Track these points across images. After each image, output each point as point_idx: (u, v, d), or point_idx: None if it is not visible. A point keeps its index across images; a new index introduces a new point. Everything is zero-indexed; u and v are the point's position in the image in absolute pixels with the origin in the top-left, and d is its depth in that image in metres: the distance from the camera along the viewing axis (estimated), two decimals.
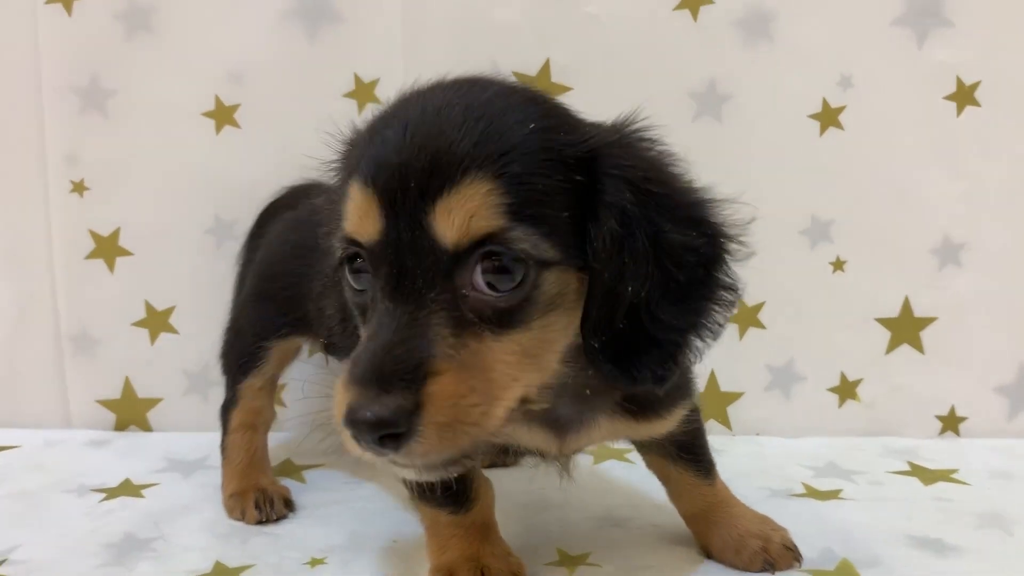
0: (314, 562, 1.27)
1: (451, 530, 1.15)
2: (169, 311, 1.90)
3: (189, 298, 1.89)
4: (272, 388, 1.57)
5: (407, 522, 1.38)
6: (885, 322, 1.91)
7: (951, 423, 1.94)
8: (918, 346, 1.91)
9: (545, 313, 0.86)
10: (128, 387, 1.91)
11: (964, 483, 1.64)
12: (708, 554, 1.27)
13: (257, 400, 1.53)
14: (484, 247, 0.82)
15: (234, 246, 1.82)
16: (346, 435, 0.80)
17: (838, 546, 1.30)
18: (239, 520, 1.42)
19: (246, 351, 1.52)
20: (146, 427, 1.92)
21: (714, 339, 0.93)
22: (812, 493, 1.55)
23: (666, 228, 0.89)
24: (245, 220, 1.80)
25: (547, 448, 1.07)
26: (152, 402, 1.92)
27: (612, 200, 0.87)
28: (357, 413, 0.77)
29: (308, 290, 1.31)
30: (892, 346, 1.92)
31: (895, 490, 1.62)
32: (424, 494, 1.14)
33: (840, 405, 1.94)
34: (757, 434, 1.92)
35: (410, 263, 0.82)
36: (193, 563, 1.27)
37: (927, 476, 1.68)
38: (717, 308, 0.92)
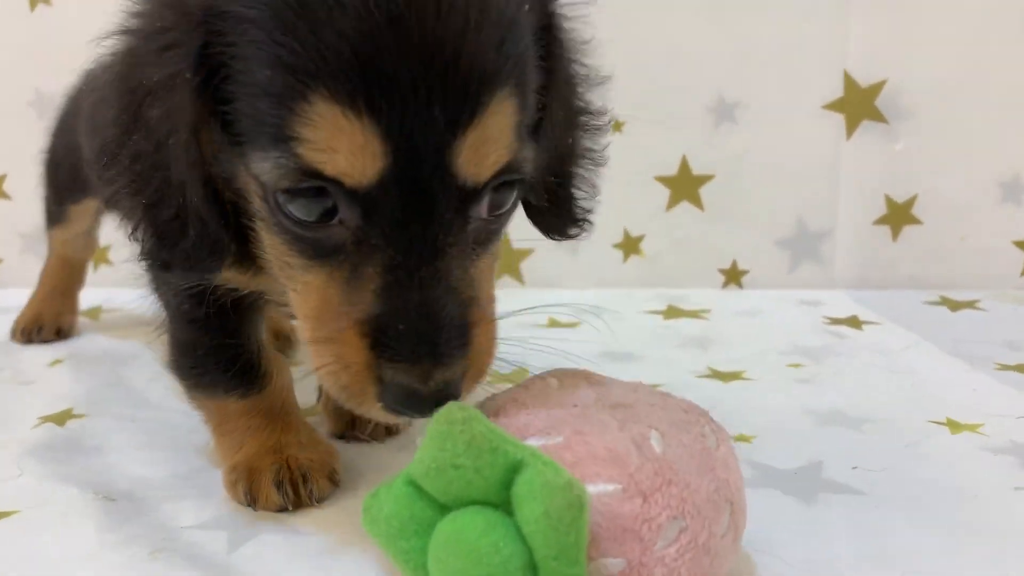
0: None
1: (245, 420, 1.01)
2: (2, 178, 2.07)
3: (18, 166, 2.04)
4: (86, 237, 1.73)
5: None
6: (664, 180, 2.01)
7: (734, 276, 2.05)
8: (697, 203, 2.02)
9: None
10: None
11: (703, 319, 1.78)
12: None
13: (67, 248, 1.72)
14: (499, 178, 0.74)
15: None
16: (371, 403, 0.73)
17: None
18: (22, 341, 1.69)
19: (51, 207, 1.69)
20: None
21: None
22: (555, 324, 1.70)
23: (581, 104, 0.92)
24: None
25: None
26: None
27: (566, 79, 0.86)
28: (419, 392, 0.70)
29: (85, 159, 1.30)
30: (672, 203, 2.02)
31: (641, 321, 1.76)
32: (203, 380, 1.02)
33: (625, 260, 2.06)
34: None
35: (423, 207, 0.70)
36: None
37: (672, 313, 1.82)
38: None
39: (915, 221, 2.01)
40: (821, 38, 1.91)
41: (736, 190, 2.00)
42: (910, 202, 2.00)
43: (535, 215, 0.95)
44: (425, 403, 0.70)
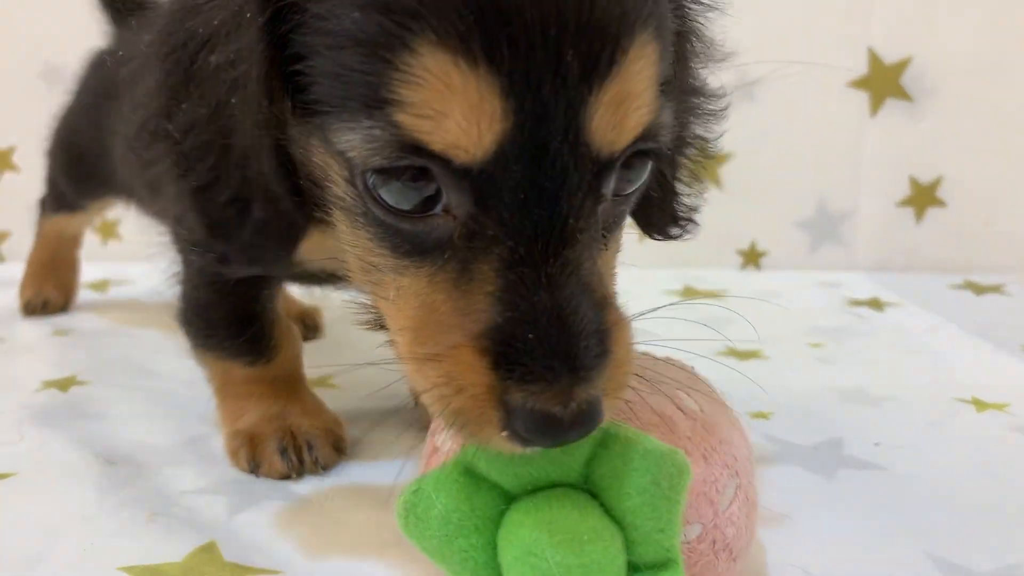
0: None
1: (248, 387, 0.98)
2: (11, 151, 2.05)
3: (28, 139, 2.03)
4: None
5: None
6: None
7: (752, 257, 2.01)
8: (716, 182, 1.98)
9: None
10: None
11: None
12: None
13: (66, 229, 1.64)
14: (636, 146, 0.60)
15: (65, 88, 1.95)
16: (493, 431, 0.57)
17: None
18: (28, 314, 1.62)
19: (65, 198, 1.57)
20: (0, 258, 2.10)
21: None
22: None
23: (695, 83, 0.78)
24: (74, 64, 1.93)
25: None
26: (3, 236, 2.09)
27: (690, 48, 0.73)
28: (557, 417, 0.55)
29: (113, 150, 1.19)
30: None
31: (658, 302, 1.72)
32: (211, 341, 0.97)
33: (641, 240, 2.01)
34: None
35: (550, 184, 0.56)
36: None
37: (689, 294, 1.78)
38: None
39: (939, 203, 1.96)
40: (844, 13, 1.86)
41: (756, 169, 1.95)
42: (935, 183, 1.95)
43: (638, 205, 0.77)
44: (564, 429, 0.56)
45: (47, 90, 1.99)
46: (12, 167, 2.07)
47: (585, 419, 0.56)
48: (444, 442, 0.69)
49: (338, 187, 0.63)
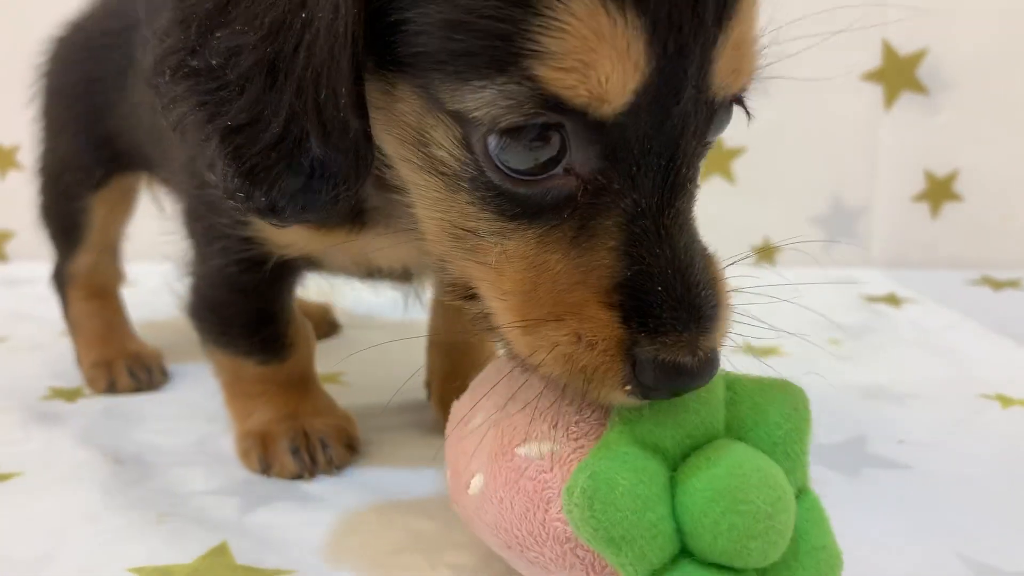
0: None
1: (260, 386, 0.94)
2: (15, 148, 2.04)
3: (32, 137, 2.01)
4: (112, 252, 1.30)
5: None
6: None
7: (766, 254, 1.98)
8: (729, 176, 1.95)
9: None
10: None
11: None
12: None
13: (96, 275, 1.27)
14: (745, 90, 0.61)
15: None
16: (615, 386, 0.57)
17: None
18: (107, 392, 1.18)
19: (64, 216, 1.26)
20: (3, 257, 2.08)
21: None
22: None
23: None
24: None
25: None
26: (7, 235, 2.07)
27: None
28: (687, 367, 0.55)
29: (126, 112, 1.08)
30: (702, 176, 1.96)
31: None
32: (223, 338, 0.94)
33: None
34: None
35: (674, 132, 0.55)
36: None
37: None
38: None
39: (955, 197, 1.93)
40: (858, 4, 1.84)
41: (769, 165, 1.93)
42: (950, 177, 1.92)
43: None
44: (692, 378, 0.56)
45: None
46: (16, 165, 2.05)
47: (709, 367, 0.56)
48: (479, 426, 0.67)
49: (440, 149, 0.58)
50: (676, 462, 0.60)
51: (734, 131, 1.96)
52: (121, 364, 1.19)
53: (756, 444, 0.61)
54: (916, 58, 1.86)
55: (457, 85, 0.54)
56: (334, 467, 0.92)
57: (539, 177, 0.56)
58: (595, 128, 0.54)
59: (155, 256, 1.46)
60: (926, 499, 0.86)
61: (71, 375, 1.25)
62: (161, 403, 1.15)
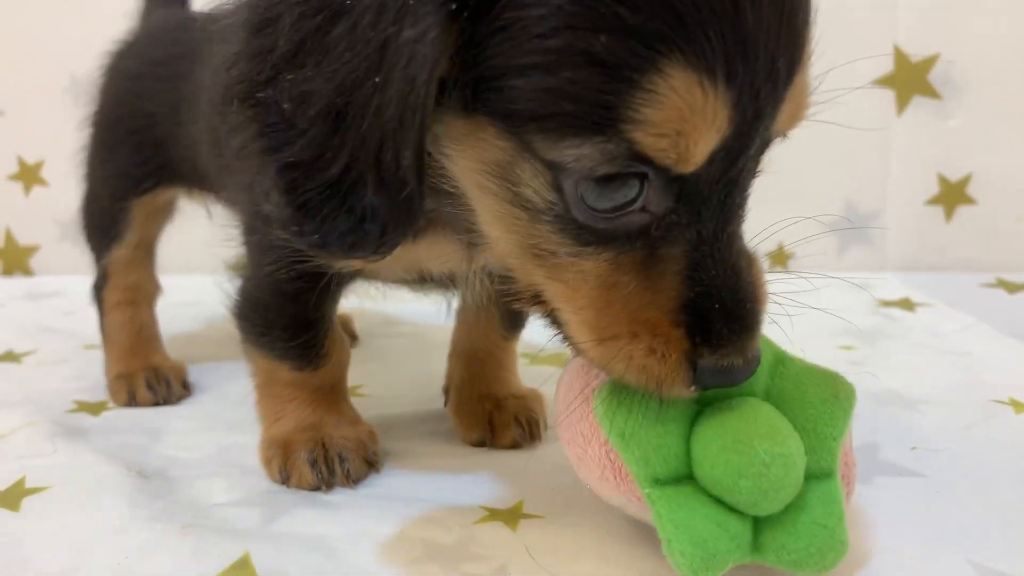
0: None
1: (291, 391, 0.97)
2: (40, 164, 2.08)
3: (56, 153, 2.05)
4: (148, 256, 1.34)
5: None
6: None
7: (779, 259, 1.99)
8: None
9: None
10: (9, 236, 2.11)
11: None
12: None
13: (131, 274, 1.31)
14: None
15: None
16: (682, 387, 0.67)
17: None
18: (128, 404, 1.21)
19: (105, 216, 1.29)
20: (28, 272, 2.12)
21: None
22: None
23: None
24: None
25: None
26: (32, 249, 2.11)
27: None
28: (737, 368, 0.66)
29: (172, 127, 1.14)
30: None
31: None
32: (262, 340, 0.96)
33: None
34: None
35: (740, 172, 0.64)
36: None
37: None
38: None
39: (969, 201, 1.93)
40: (869, 9, 1.84)
41: (781, 169, 1.92)
42: (964, 181, 1.92)
43: None
44: (742, 375, 0.68)
45: (74, 104, 2.01)
46: (41, 181, 2.09)
47: (755, 363, 0.67)
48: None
49: (527, 189, 0.64)
50: (707, 403, 0.71)
51: None
52: (141, 377, 1.22)
53: (789, 416, 0.70)
54: (928, 63, 1.86)
55: (555, 140, 0.60)
56: (351, 481, 0.93)
57: (618, 215, 0.63)
58: (674, 178, 0.61)
59: (182, 269, 1.50)
60: (938, 506, 0.86)
61: (96, 388, 1.27)
62: (182, 416, 1.17)
